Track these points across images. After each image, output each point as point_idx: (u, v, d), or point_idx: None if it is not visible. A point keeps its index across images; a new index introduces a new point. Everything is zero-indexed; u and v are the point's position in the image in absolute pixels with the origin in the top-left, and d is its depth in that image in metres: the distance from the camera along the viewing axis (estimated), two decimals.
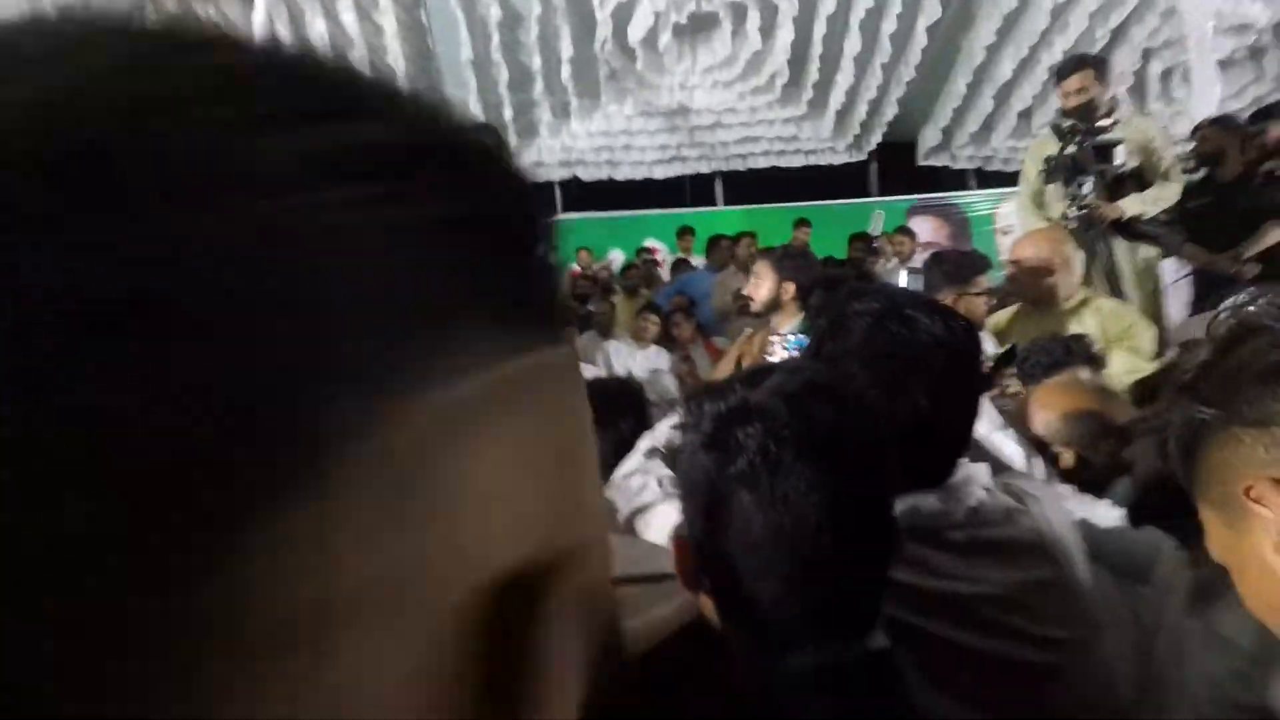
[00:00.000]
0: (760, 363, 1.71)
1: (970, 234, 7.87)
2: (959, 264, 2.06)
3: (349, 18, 5.58)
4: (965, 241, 7.88)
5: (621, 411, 1.26)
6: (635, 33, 5.53)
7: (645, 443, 1.15)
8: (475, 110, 6.40)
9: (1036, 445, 1.17)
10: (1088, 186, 2.74)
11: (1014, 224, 7.42)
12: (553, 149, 6.92)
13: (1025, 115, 6.82)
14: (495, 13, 5.45)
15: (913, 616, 0.59)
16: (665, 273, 6.12)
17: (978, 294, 2.02)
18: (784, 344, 1.68)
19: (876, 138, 7.25)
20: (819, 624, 0.49)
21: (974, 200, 7.97)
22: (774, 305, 2.28)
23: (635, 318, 4.41)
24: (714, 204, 7.84)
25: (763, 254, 2.35)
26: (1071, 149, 2.76)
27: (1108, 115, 2.76)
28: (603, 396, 1.23)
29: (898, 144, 7.44)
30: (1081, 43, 5.77)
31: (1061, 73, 2.86)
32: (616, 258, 7.34)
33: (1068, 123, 2.80)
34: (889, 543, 0.52)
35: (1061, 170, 2.78)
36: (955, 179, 7.98)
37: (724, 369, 2.35)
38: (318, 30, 5.63)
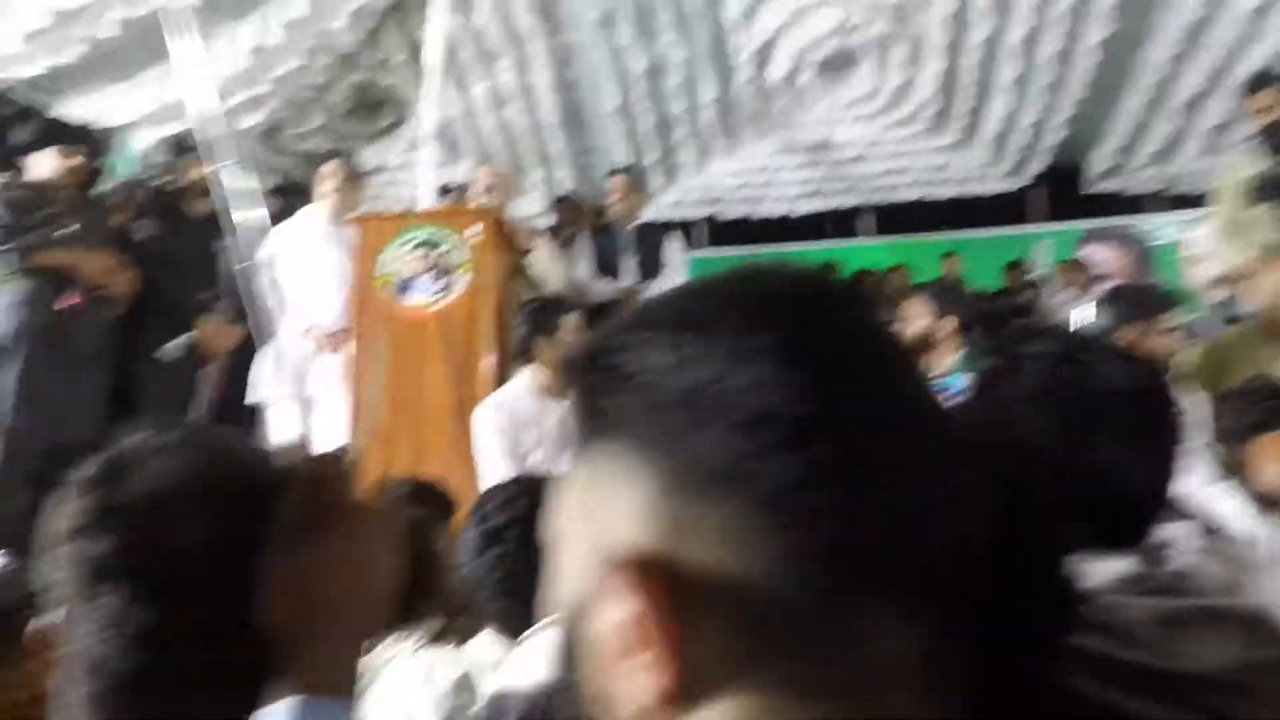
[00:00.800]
0: None
1: (1151, 264, 7.11)
2: (1142, 298, 1.87)
3: (506, 77, 6.03)
4: (1147, 272, 7.12)
5: None
6: (775, 72, 5.56)
7: None
8: (620, 156, 6.68)
9: (1265, 503, 1.03)
10: None
11: (1204, 252, 6.63)
12: (694, 189, 7.05)
13: (1220, 129, 6.13)
14: (640, 64, 5.69)
15: (1107, 691, 0.54)
16: None
17: (1164, 331, 1.83)
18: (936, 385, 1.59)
19: (1037, 164, 6.78)
20: None
21: (1156, 226, 7.21)
22: (928, 343, 2.18)
23: None
24: (854, 236, 7.62)
25: (915, 289, 2.26)
26: None
27: None
28: None
29: (1061, 168, 6.91)
30: None
31: (1248, 89, 2.66)
32: None
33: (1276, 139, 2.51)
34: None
35: (1275, 190, 2.46)
36: (1128, 205, 7.27)
37: None
38: (480, 90, 6.14)
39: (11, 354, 2.58)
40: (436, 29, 3.97)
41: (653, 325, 0.32)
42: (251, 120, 5.27)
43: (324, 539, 0.48)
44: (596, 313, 3.26)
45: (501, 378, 2.61)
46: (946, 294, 2.19)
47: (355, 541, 0.49)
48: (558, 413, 2.47)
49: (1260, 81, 2.64)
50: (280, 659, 0.46)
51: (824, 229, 7.54)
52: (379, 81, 5.93)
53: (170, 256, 2.96)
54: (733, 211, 7.30)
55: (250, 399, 2.88)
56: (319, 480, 0.50)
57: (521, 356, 2.54)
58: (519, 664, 0.99)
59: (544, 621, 0.94)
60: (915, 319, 2.19)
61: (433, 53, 3.93)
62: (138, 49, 4.49)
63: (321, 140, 6.56)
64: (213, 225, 3.18)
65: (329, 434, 2.77)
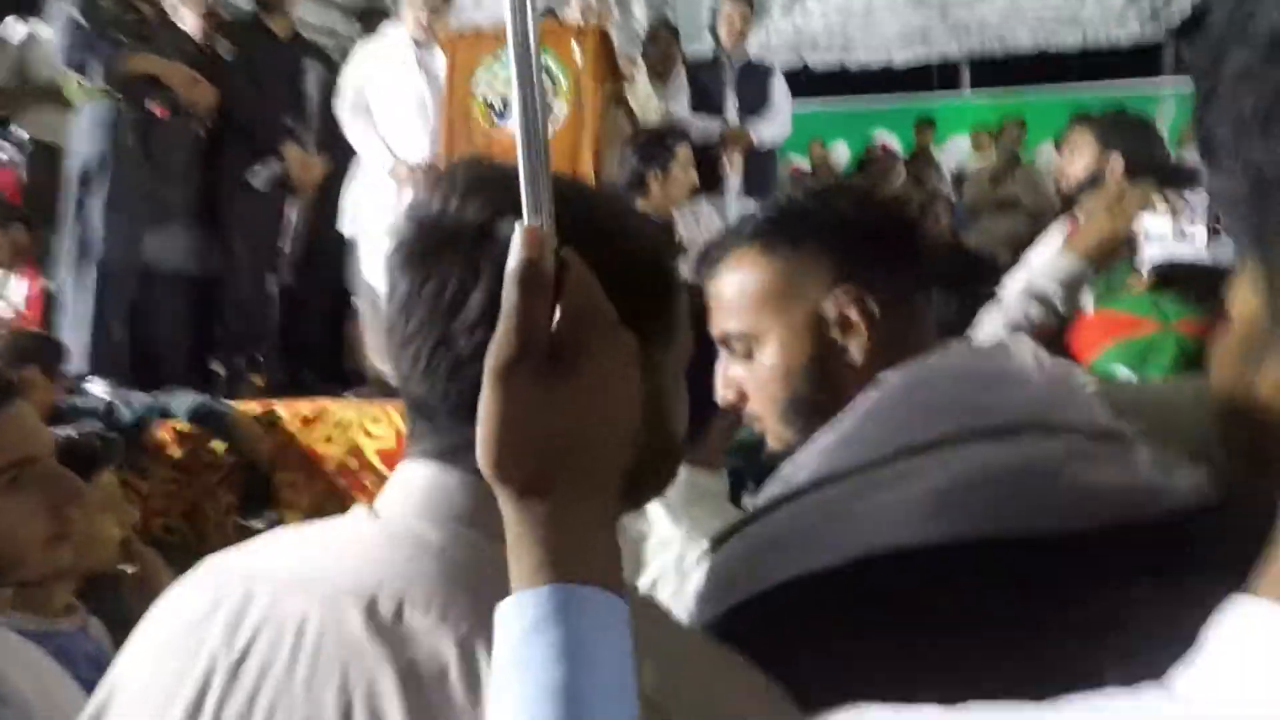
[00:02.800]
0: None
1: None
2: None
3: None
4: None
5: None
6: None
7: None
8: None
9: None
10: None
11: None
12: (784, 30, 6.43)
13: None
14: None
15: None
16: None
17: None
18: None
19: (1183, 5, 5.92)
20: None
21: None
22: (1092, 183, 1.91)
23: None
24: (956, 89, 6.95)
25: (1084, 120, 1.96)
26: None
27: None
28: None
29: (1207, 13, 6.04)
30: None
31: None
32: (841, 152, 6.82)
33: None
34: None
35: None
36: None
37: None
38: None
39: (98, 177, 2.52)
40: None
41: None
42: None
43: None
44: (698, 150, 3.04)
45: None
46: (1118, 128, 1.89)
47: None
48: None
49: None
50: None
51: (928, 80, 6.88)
52: None
53: (255, 77, 2.79)
54: (824, 60, 6.68)
55: (341, 229, 2.80)
56: None
57: (633, 190, 2.36)
58: None
59: None
60: (1080, 153, 1.92)
61: None
62: None
63: None
64: (298, 47, 2.98)
65: None
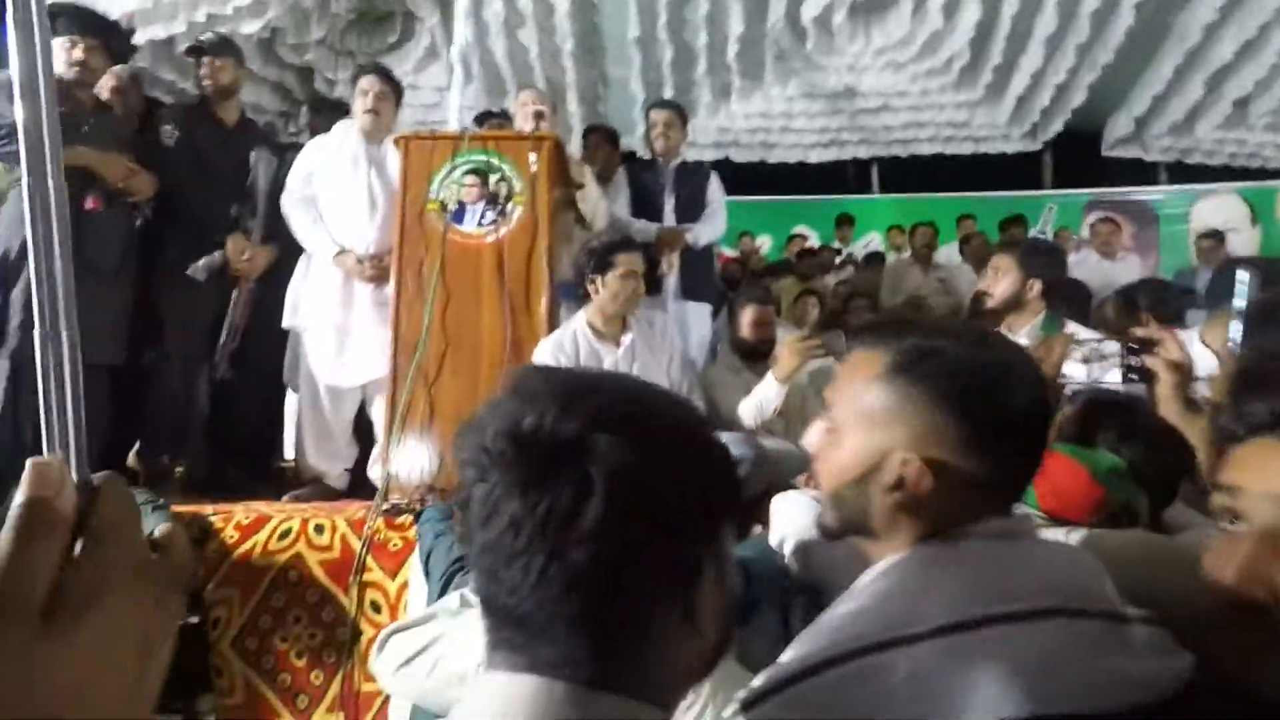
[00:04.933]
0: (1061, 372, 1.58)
1: (1158, 237, 7.16)
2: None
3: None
4: (1152, 246, 7.17)
5: None
6: (809, 11, 5.34)
7: None
8: (636, 90, 6.41)
9: None
10: None
11: (1215, 225, 6.68)
12: (708, 129, 6.83)
13: (1242, 104, 6.09)
14: None
15: None
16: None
17: None
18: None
19: (1057, 125, 6.69)
20: None
21: (1164, 197, 7.23)
22: (1014, 304, 2.12)
23: (795, 303, 4.32)
24: (869, 192, 7.52)
25: (1006, 248, 2.18)
26: None
27: None
28: None
29: (1080, 133, 6.84)
30: None
31: None
32: (764, 243, 7.19)
33: None
34: None
35: None
36: (1140, 174, 7.25)
37: None
38: (494, 10, 5.80)
39: (16, 267, 2.39)
40: None
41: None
42: (250, 27, 4.92)
43: None
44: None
45: (551, 315, 2.51)
46: (1035, 255, 2.12)
47: None
48: (612, 357, 2.39)
49: None
50: None
51: (844, 181, 7.41)
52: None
53: (198, 166, 2.75)
54: (745, 157, 7.12)
55: (284, 324, 2.73)
56: None
57: (578, 295, 2.43)
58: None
59: None
60: (1004, 276, 2.13)
61: None
62: None
63: (319, 55, 6.19)
64: (246, 134, 2.95)
65: (366, 367, 2.64)
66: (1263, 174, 6.78)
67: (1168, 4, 5.31)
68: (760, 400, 2.40)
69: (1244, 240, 6.67)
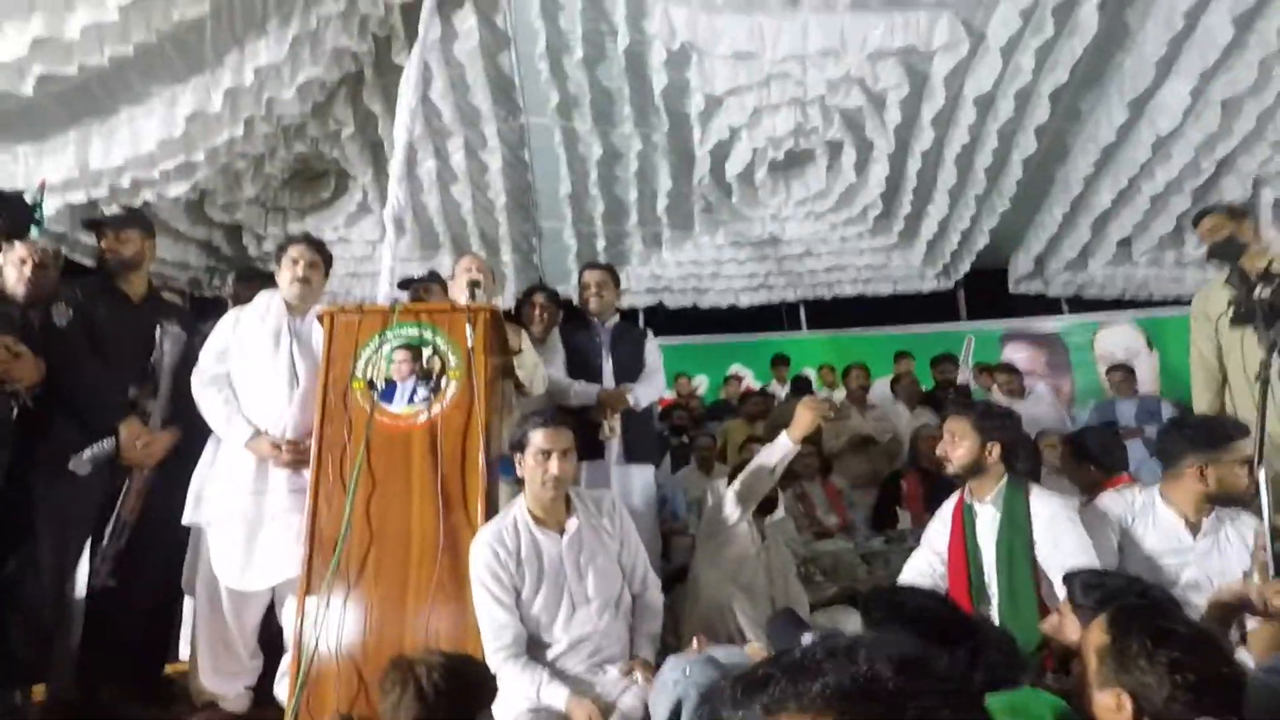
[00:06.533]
0: None
1: (1070, 363, 7.57)
2: (1209, 429, 1.82)
3: (458, 157, 5.85)
4: (1065, 371, 7.56)
5: None
6: (733, 168, 5.65)
7: None
8: (569, 241, 6.56)
9: None
10: None
11: (1116, 355, 7.10)
12: (641, 276, 7.00)
13: (1125, 243, 6.67)
14: (595, 150, 5.65)
15: None
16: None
17: (1233, 462, 1.77)
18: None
19: (966, 266, 7.15)
20: None
21: (1069, 327, 7.71)
22: (975, 468, 2.06)
23: (743, 448, 4.22)
24: (798, 329, 7.75)
25: (961, 411, 2.15)
26: (1266, 292, 2.57)
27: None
28: None
29: (988, 271, 7.32)
30: (1186, 173, 5.67)
31: (1194, 221, 3.22)
32: (701, 383, 7.22)
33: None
34: None
35: (1256, 315, 2.57)
36: (1047, 306, 7.77)
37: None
38: (428, 167, 5.92)
39: None
40: (404, 107, 3.76)
41: None
42: (178, 190, 4.83)
43: None
44: (580, 416, 3.01)
45: (488, 502, 2.28)
46: (990, 419, 2.09)
47: None
48: (556, 548, 2.14)
49: (1202, 214, 3.21)
50: None
51: (775, 320, 7.64)
52: (326, 153, 5.61)
53: (93, 345, 2.51)
54: (677, 302, 7.28)
55: (185, 520, 2.41)
56: None
57: (515, 480, 2.23)
58: None
59: None
60: (961, 439, 2.08)
61: (399, 132, 3.70)
62: (56, 109, 4.05)
63: (250, 213, 6.13)
64: (152, 309, 2.75)
65: (278, 566, 2.34)
66: (1151, 304, 7.34)
67: (1051, 158, 5.86)
68: (773, 457, 2.65)
69: (1143, 366, 7.11)
